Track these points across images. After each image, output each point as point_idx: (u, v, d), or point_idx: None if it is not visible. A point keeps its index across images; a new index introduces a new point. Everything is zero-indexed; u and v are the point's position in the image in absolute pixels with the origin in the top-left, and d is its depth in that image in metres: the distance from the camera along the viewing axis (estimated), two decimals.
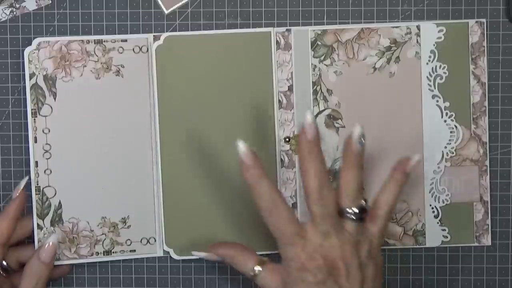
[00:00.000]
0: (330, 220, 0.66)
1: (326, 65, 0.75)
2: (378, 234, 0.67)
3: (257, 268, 0.69)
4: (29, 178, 0.74)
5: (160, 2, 0.75)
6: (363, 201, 0.68)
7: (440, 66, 0.75)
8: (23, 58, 0.73)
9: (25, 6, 0.75)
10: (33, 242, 0.74)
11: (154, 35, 0.74)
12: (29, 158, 0.74)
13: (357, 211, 0.66)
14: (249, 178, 0.66)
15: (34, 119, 0.73)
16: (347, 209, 0.67)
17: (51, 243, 0.71)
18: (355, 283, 0.65)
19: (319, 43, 0.75)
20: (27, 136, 0.74)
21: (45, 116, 0.73)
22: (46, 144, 0.74)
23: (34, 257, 0.71)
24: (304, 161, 0.66)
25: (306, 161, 0.66)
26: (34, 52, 0.73)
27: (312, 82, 0.75)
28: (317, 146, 0.66)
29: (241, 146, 0.66)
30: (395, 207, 0.69)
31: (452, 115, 0.75)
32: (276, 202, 0.66)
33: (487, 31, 0.75)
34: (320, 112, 0.75)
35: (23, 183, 0.73)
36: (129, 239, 0.75)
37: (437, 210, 0.75)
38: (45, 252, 0.71)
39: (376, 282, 0.67)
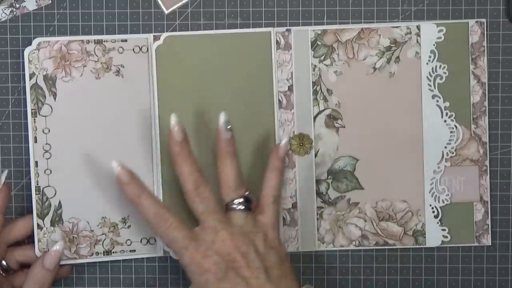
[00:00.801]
0: (214, 215, 0.67)
1: (326, 65, 0.75)
2: (270, 225, 0.69)
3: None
4: (8, 171, 0.74)
5: (160, 2, 0.75)
6: (246, 192, 0.69)
7: (440, 66, 0.75)
8: (23, 58, 0.73)
9: (25, 6, 0.75)
10: (33, 242, 0.74)
11: (154, 35, 0.74)
12: (29, 158, 0.74)
13: (241, 200, 0.68)
14: (129, 196, 0.68)
15: (34, 119, 0.73)
16: (231, 200, 0.68)
17: (56, 250, 0.72)
18: (259, 271, 0.66)
19: (319, 43, 0.75)
20: (27, 136, 0.74)
21: (45, 116, 0.73)
22: (46, 144, 0.74)
23: (38, 264, 0.71)
24: (176, 163, 0.69)
25: (178, 163, 0.69)
26: (34, 52, 0.73)
27: (312, 82, 0.75)
28: (186, 147, 0.69)
29: (115, 166, 0.68)
30: (281, 193, 0.71)
31: (452, 115, 0.75)
32: (161, 212, 0.67)
33: (487, 31, 0.75)
34: (320, 112, 0.75)
35: (3, 177, 0.73)
36: (129, 239, 0.75)
37: (437, 210, 0.75)
38: (49, 259, 0.71)
39: (283, 269, 0.67)
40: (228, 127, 0.69)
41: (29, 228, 0.74)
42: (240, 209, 0.68)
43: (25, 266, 0.74)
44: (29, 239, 0.75)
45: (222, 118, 0.69)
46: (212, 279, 0.66)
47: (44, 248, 0.74)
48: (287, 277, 0.68)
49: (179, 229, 0.67)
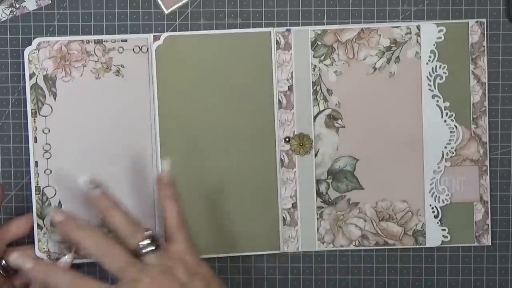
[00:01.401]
0: (130, 267, 0.66)
1: (326, 65, 0.75)
2: (184, 250, 0.68)
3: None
4: (3, 172, 0.74)
5: (160, 2, 0.75)
6: (147, 232, 0.68)
7: (440, 66, 0.75)
8: (23, 58, 0.73)
9: (25, 6, 0.75)
10: (33, 242, 0.74)
11: (154, 35, 0.74)
12: (29, 158, 0.74)
13: (147, 241, 0.67)
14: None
15: (34, 119, 0.73)
16: (137, 245, 0.67)
17: (65, 262, 0.72)
18: None
19: (319, 43, 0.75)
20: (27, 136, 0.74)
21: (45, 116, 0.73)
22: (46, 144, 0.74)
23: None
24: (77, 232, 0.68)
25: (80, 231, 0.68)
26: (34, 52, 0.73)
27: (312, 82, 0.75)
28: (72, 219, 0.69)
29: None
30: (184, 218, 0.70)
31: (452, 115, 0.75)
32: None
33: (487, 31, 0.75)
34: (320, 112, 0.75)
35: None
36: None
37: (437, 210, 0.75)
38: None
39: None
40: (93, 186, 0.70)
41: (28, 226, 0.74)
42: (149, 251, 0.67)
43: None
44: (29, 239, 0.75)
45: (82, 179, 0.70)
46: None
47: (44, 248, 0.74)
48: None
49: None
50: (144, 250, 0.67)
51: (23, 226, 0.74)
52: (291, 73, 0.75)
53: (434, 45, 0.75)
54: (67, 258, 0.72)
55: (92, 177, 0.70)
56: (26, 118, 0.74)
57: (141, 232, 0.68)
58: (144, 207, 0.75)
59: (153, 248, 0.68)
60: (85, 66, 0.74)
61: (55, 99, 0.74)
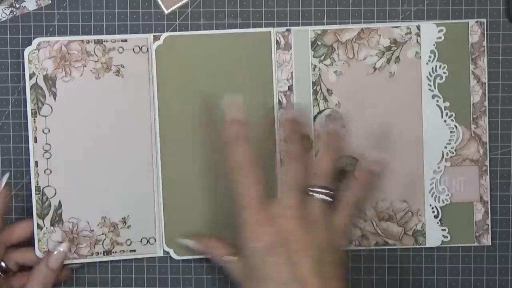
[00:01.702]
0: (294, 192, 0.66)
1: (326, 65, 0.75)
2: (340, 227, 0.67)
3: (227, 257, 0.70)
4: (10, 174, 0.74)
5: (160, 2, 0.75)
6: (331, 186, 0.68)
7: (440, 66, 0.75)
8: (23, 58, 0.73)
9: (25, 6, 0.75)
10: (33, 244, 0.74)
11: (154, 35, 0.74)
12: (29, 158, 0.74)
13: (325, 190, 0.67)
14: (226, 135, 0.68)
15: (34, 119, 0.73)
16: (315, 185, 0.67)
17: (61, 251, 0.72)
18: (310, 262, 0.64)
19: (319, 43, 0.75)
20: (27, 136, 0.74)
21: (45, 116, 0.73)
22: (46, 144, 0.74)
23: (43, 263, 0.72)
24: (287, 132, 0.69)
25: (290, 133, 0.69)
26: (34, 52, 0.73)
27: (312, 82, 0.75)
28: (300, 126, 0.70)
29: (227, 101, 0.68)
30: (362, 206, 0.71)
31: (452, 115, 0.75)
32: (247, 165, 0.67)
33: (487, 31, 0.75)
34: (320, 112, 0.75)
35: (4, 179, 0.73)
36: (129, 239, 0.75)
37: (437, 210, 0.75)
38: (54, 259, 0.72)
39: (334, 271, 0.65)
40: (331, 119, 0.71)
41: (29, 231, 0.74)
42: (319, 198, 0.67)
43: (24, 268, 0.74)
44: (28, 241, 0.75)
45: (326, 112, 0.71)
46: (260, 249, 0.64)
47: (44, 248, 0.74)
48: (338, 280, 0.65)
49: (253, 188, 0.66)
50: (315, 193, 0.67)
51: (25, 230, 0.74)
52: (291, 73, 0.75)
53: (434, 45, 0.75)
54: (62, 248, 0.72)
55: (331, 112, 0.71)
56: (26, 118, 0.74)
57: (329, 182, 0.68)
58: (144, 207, 0.75)
59: (323, 197, 0.67)
60: (85, 66, 0.74)
61: (55, 99, 0.74)
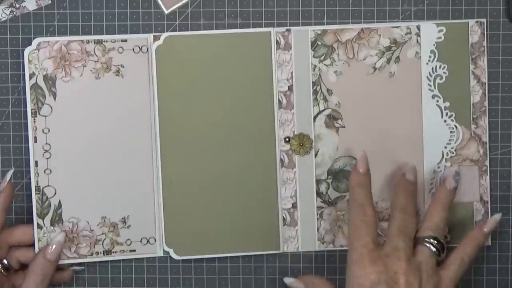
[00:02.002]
0: (405, 238, 0.67)
1: (326, 65, 0.75)
2: (448, 281, 0.68)
3: None
4: (14, 169, 0.74)
5: (160, 2, 0.75)
6: (443, 238, 0.69)
7: (440, 66, 0.75)
8: (23, 58, 0.73)
9: (25, 6, 0.75)
10: (33, 241, 0.74)
11: (154, 35, 0.74)
12: (29, 158, 0.74)
13: (434, 241, 0.68)
14: (353, 182, 0.70)
15: (34, 119, 0.73)
16: (425, 236, 0.68)
17: (57, 242, 0.72)
18: None
19: (319, 43, 0.75)
20: (27, 136, 0.74)
21: (45, 116, 0.73)
22: (46, 144, 0.74)
23: (40, 255, 0.72)
24: (399, 186, 0.71)
25: (402, 187, 0.71)
26: (34, 52, 0.73)
27: (312, 82, 0.75)
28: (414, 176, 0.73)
29: (360, 157, 0.70)
30: (469, 261, 0.70)
31: (452, 115, 0.75)
32: (366, 207, 0.68)
33: (487, 31, 0.75)
34: (320, 112, 0.75)
35: (9, 175, 0.73)
36: (129, 239, 0.75)
37: None
38: (51, 250, 0.72)
39: None
40: (457, 177, 0.72)
41: (30, 234, 0.74)
42: (429, 248, 0.68)
43: (25, 266, 0.74)
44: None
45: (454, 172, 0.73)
46: (367, 285, 0.66)
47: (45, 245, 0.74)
48: None
49: (369, 227, 0.68)
50: (425, 242, 0.68)
51: (28, 233, 0.74)
52: (291, 73, 0.75)
53: (434, 45, 0.75)
54: (59, 238, 0.72)
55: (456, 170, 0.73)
56: (26, 118, 0.74)
57: (439, 234, 0.69)
58: (144, 207, 0.75)
59: (434, 249, 0.68)
60: (85, 66, 0.74)
61: (55, 99, 0.74)
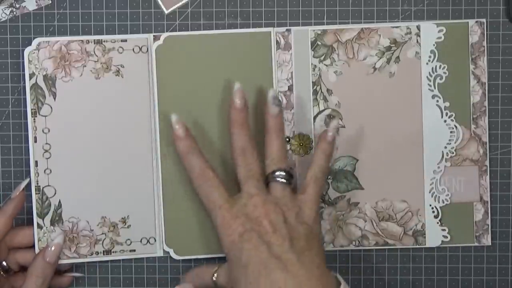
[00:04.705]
0: (253, 182, 0.69)
1: (326, 65, 0.75)
2: (308, 202, 0.69)
3: (214, 275, 0.71)
4: (30, 179, 0.74)
5: (160, 2, 0.75)
6: (289, 167, 0.70)
7: (440, 66, 0.75)
8: (23, 58, 0.73)
9: (25, 6, 0.75)
10: (33, 243, 0.74)
11: (154, 35, 0.74)
12: (29, 158, 0.74)
13: (282, 173, 0.69)
14: (180, 151, 0.70)
15: (34, 119, 0.73)
16: (272, 171, 0.69)
17: (56, 243, 0.72)
18: (283, 239, 0.66)
19: (319, 43, 0.75)
20: (27, 136, 0.74)
21: (45, 116, 0.73)
22: (46, 144, 0.74)
23: (39, 257, 0.72)
24: (233, 126, 0.70)
25: (235, 126, 0.70)
26: (34, 52, 0.73)
27: (312, 82, 0.75)
28: (245, 116, 0.70)
29: (174, 119, 0.70)
30: (323, 176, 0.70)
31: (452, 115, 0.75)
32: (205, 171, 0.69)
33: (487, 31, 0.75)
34: (320, 112, 0.75)
35: (23, 184, 0.73)
36: (129, 239, 0.75)
37: (437, 210, 0.75)
38: (50, 252, 0.72)
39: (310, 244, 0.67)
40: (276, 102, 0.70)
41: (31, 237, 0.74)
42: (279, 181, 0.69)
43: (25, 268, 0.74)
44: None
45: (270, 93, 0.71)
46: (236, 239, 0.67)
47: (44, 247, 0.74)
48: (312, 251, 0.67)
49: (217, 189, 0.69)
50: (276, 178, 0.69)
51: (28, 235, 0.74)
52: (291, 73, 0.75)
53: (434, 45, 0.75)
54: (58, 240, 0.72)
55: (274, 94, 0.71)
56: (26, 118, 0.74)
57: (283, 163, 0.70)
58: (144, 207, 0.75)
59: (284, 181, 0.69)
60: (85, 66, 0.74)
61: (55, 99, 0.74)
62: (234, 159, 0.70)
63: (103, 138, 0.74)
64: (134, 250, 0.75)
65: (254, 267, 0.66)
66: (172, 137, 0.70)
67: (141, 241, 0.75)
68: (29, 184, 0.74)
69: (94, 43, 0.74)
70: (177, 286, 0.71)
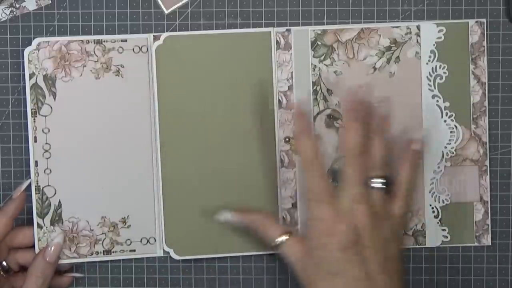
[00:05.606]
0: (360, 186, 0.66)
1: (326, 65, 0.75)
2: (399, 216, 0.67)
3: (281, 238, 0.69)
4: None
5: (160, 2, 0.75)
6: (388, 173, 0.68)
7: (440, 66, 0.75)
8: (23, 58, 0.73)
9: (25, 6, 0.75)
10: (33, 243, 0.74)
11: (154, 35, 0.74)
12: (29, 158, 0.74)
13: (383, 180, 0.67)
14: (296, 128, 0.68)
15: (34, 119, 0.73)
16: (374, 177, 0.67)
17: (56, 243, 0.72)
18: (379, 258, 0.65)
19: (319, 43, 0.75)
20: (27, 136, 0.74)
21: (45, 116, 0.73)
22: (46, 143, 0.74)
23: (39, 257, 0.72)
24: (348, 118, 0.67)
25: (351, 119, 0.67)
26: (34, 52, 0.73)
27: (312, 82, 0.75)
28: (363, 111, 0.68)
29: (297, 96, 0.68)
30: (413, 187, 0.69)
31: (452, 115, 0.75)
32: (314, 158, 0.67)
33: (487, 31, 0.75)
34: (320, 112, 0.75)
35: (25, 184, 0.73)
36: (129, 239, 0.75)
37: (437, 210, 0.75)
38: (50, 252, 0.72)
39: (396, 265, 0.66)
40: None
41: (32, 238, 0.74)
42: (380, 188, 0.67)
43: (25, 268, 0.74)
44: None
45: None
46: (333, 245, 0.65)
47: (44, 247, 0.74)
48: (396, 275, 0.65)
49: (324, 180, 0.67)
50: (375, 184, 0.67)
51: (28, 236, 0.74)
52: (291, 73, 0.75)
53: (434, 45, 0.75)
54: (58, 239, 0.73)
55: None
56: (26, 118, 0.74)
57: (385, 170, 0.68)
58: (144, 207, 0.75)
59: (383, 187, 0.67)
60: (85, 66, 0.74)
61: (55, 99, 0.74)
62: (345, 155, 0.67)
63: (103, 138, 0.74)
64: (134, 250, 0.75)
65: (343, 280, 0.64)
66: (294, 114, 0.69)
67: (141, 241, 0.75)
68: (29, 184, 0.74)
69: (94, 43, 0.74)
70: (223, 211, 0.71)
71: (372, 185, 0.67)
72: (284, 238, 0.69)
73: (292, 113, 0.75)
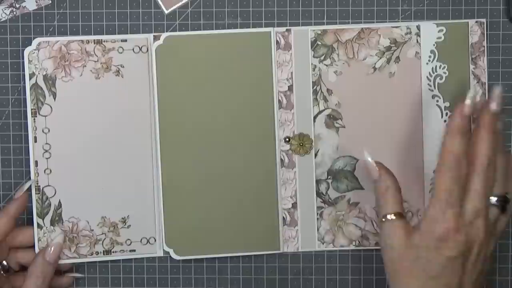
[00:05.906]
0: (484, 200, 0.65)
1: (326, 65, 0.75)
2: (502, 230, 0.68)
3: (393, 216, 0.67)
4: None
5: (160, 2, 0.75)
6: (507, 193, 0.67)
7: (440, 66, 0.75)
8: (23, 58, 0.73)
9: (25, 6, 0.75)
10: (33, 243, 0.74)
11: (154, 35, 0.74)
12: (29, 158, 0.74)
13: (503, 200, 0.67)
14: (454, 124, 0.65)
15: (34, 119, 0.73)
16: (495, 196, 0.66)
17: (56, 243, 0.72)
18: (477, 274, 0.65)
19: (319, 43, 0.75)
20: (27, 136, 0.74)
21: (45, 116, 0.73)
22: (46, 143, 0.74)
23: (39, 257, 0.72)
24: (481, 130, 0.66)
25: (484, 131, 0.66)
26: (34, 52, 0.73)
27: (312, 82, 0.75)
28: (497, 120, 0.66)
29: (472, 93, 0.66)
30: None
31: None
32: (460, 162, 0.65)
33: (487, 31, 0.75)
34: (320, 112, 0.75)
35: (27, 185, 0.73)
36: (129, 239, 0.75)
37: None
38: (50, 252, 0.72)
39: (483, 281, 0.67)
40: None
41: (32, 238, 0.74)
42: (497, 206, 0.66)
43: (25, 267, 0.74)
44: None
45: (497, 90, 0.66)
46: (444, 251, 0.64)
47: (44, 247, 0.74)
48: None
49: (459, 185, 0.65)
50: (495, 202, 0.66)
51: (28, 235, 0.74)
52: (291, 73, 0.75)
53: (434, 45, 0.75)
54: (57, 239, 0.73)
55: None
56: (26, 118, 0.74)
57: (501, 188, 0.66)
58: (144, 207, 0.75)
59: (500, 205, 0.66)
60: (85, 66, 0.74)
61: (55, 99, 0.74)
62: (473, 166, 0.65)
63: (103, 138, 0.74)
64: (134, 250, 0.75)
65: (437, 287, 0.64)
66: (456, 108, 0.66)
67: (141, 241, 0.75)
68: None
69: (94, 43, 0.74)
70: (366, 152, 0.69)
71: (493, 202, 0.66)
72: (395, 218, 0.67)
73: (292, 113, 0.75)
